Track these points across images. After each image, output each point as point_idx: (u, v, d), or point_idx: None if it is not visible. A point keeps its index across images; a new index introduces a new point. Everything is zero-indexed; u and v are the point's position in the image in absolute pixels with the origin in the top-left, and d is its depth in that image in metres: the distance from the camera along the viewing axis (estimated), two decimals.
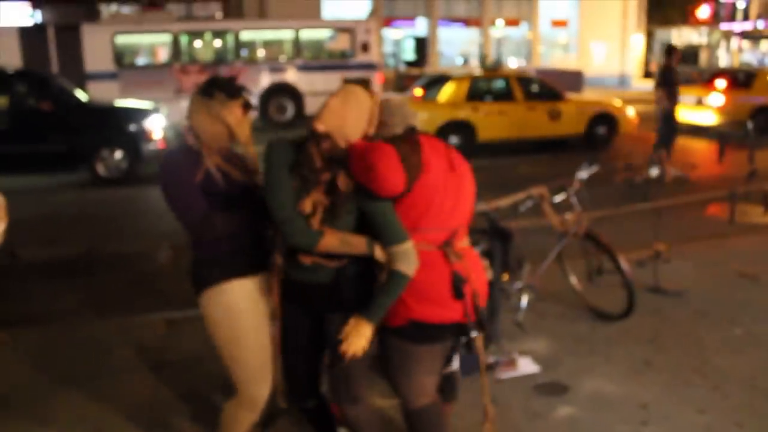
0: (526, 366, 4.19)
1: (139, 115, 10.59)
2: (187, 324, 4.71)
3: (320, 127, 2.45)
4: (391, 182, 2.41)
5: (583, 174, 4.75)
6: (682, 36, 25.75)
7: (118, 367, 4.25)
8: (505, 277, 4.44)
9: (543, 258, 4.85)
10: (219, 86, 2.64)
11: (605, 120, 12.53)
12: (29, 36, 15.99)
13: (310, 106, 16.82)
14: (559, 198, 4.70)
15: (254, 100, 16.39)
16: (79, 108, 10.68)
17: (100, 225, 8.02)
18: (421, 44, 20.96)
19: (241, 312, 2.70)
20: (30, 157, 10.14)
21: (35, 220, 7.92)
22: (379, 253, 2.50)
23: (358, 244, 2.48)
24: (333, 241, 2.46)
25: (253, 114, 16.52)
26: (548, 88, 12.41)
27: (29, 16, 26.33)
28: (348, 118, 2.48)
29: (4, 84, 10.54)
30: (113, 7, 28.03)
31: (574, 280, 5.08)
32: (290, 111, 16.74)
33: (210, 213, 2.62)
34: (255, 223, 2.71)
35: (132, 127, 10.29)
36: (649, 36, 31.46)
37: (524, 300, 4.59)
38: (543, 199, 4.50)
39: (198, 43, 17.50)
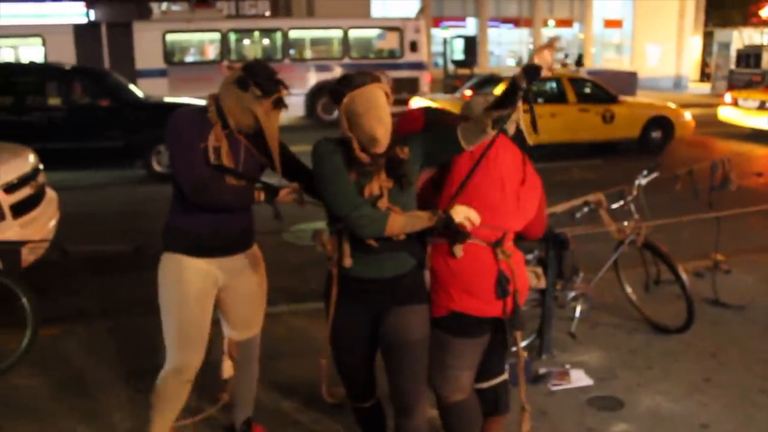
0: (579, 378, 4.04)
1: None
2: None
3: (381, 150, 2.44)
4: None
5: (643, 180, 4.57)
6: (743, 37, 24.83)
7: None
8: (559, 285, 4.30)
9: (597, 266, 4.69)
10: (256, 80, 2.63)
11: (661, 124, 12.16)
12: (83, 33, 16.32)
13: None
14: (616, 205, 4.53)
15: (299, 99, 16.54)
16: (136, 104, 10.84)
17: (152, 221, 8.08)
18: (471, 44, 20.68)
19: (176, 283, 2.84)
20: (86, 153, 10.30)
21: (87, 215, 8.03)
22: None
23: (422, 215, 2.49)
24: (400, 219, 2.46)
25: (297, 112, 16.67)
26: (602, 89, 12.10)
27: (83, 15, 26.94)
28: (388, 119, 2.47)
29: (62, 80, 10.77)
30: (164, 5, 28.48)
31: (629, 290, 4.90)
32: (337, 111, 16.71)
33: (206, 180, 2.69)
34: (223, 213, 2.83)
35: None
36: (708, 37, 30.51)
37: (578, 309, 4.44)
38: (600, 205, 4.34)
39: (246, 41, 17.63)
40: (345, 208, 2.44)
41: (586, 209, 4.34)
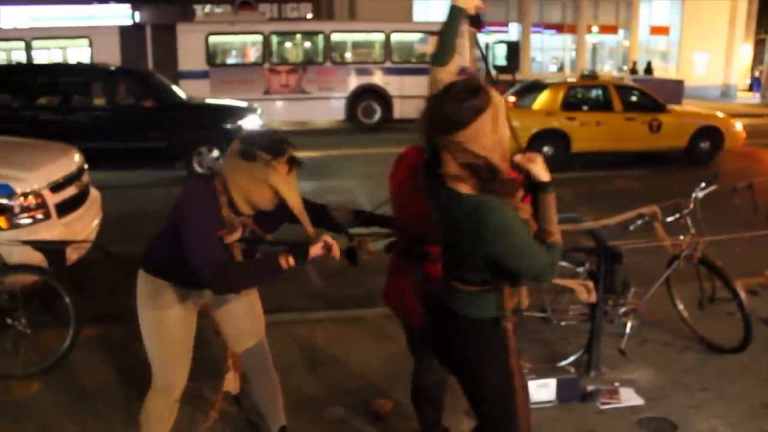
0: (630, 397, 3.88)
1: (236, 113, 10.76)
2: (278, 328, 4.61)
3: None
4: None
5: (700, 193, 4.39)
6: None
7: (205, 370, 4.19)
8: (610, 300, 4.15)
9: (647, 281, 4.52)
10: (260, 145, 2.42)
11: (710, 134, 11.83)
12: (128, 35, 16.58)
13: (398, 109, 16.72)
14: (671, 218, 4.36)
15: (340, 102, 16.52)
16: (179, 105, 10.93)
17: None
18: (513, 49, 20.49)
19: (154, 308, 2.77)
20: (129, 153, 10.40)
21: (129, 215, 8.09)
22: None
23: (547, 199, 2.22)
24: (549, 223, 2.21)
25: (338, 115, 16.58)
26: (649, 98, 11.81)
27: (129, 16, 27.41)
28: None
29: (107, 81, 10.92)
30: (207, 8, 28.82)
31: (681, 306, 4.71)
32: (378, 114, 16.70)
33: (228, 264, 2.47)
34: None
35: (229, 126, 10.45)
36: (759, 45, 29.76)
37: (629, 325, 4.27)
38: (655, 218, 4.17)
39: (288, 44, 17.71)
40: (542, 263, 2.12)
41: (639, 222, 4.18)
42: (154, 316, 2.78)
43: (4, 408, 3.79)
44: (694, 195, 4.37)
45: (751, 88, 29.88)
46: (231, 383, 3.05)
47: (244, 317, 3.00)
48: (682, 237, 4.36)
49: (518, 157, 2.16)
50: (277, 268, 2.42)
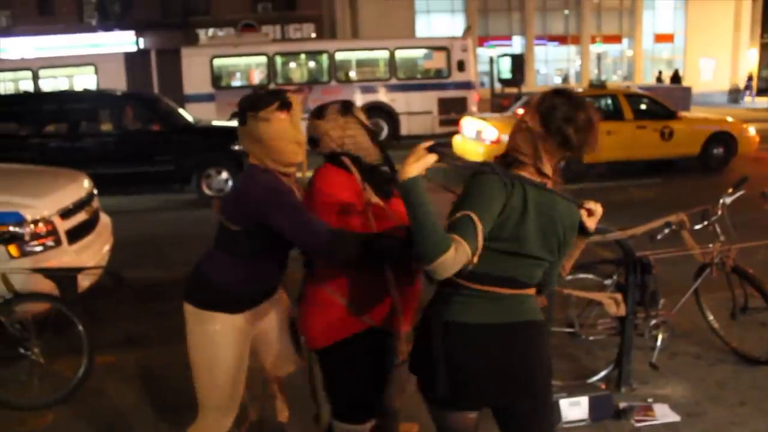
0: (665, 414, 3.73)
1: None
2: None
3: None
4: None
5: (728, 199, 4.25)
6: None
7: None
8: (640, 312, 4.01)
9: (673, 291, 4.37)
10: (248, 106, 2.44)
11: (723, 140, 11.69)
12: (133, 61, 16.64)
13: (405, 126, 16.67)
14: (699, 226, 4.22)
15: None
16: (186, 128, 10.88)
17: (204, 245, 8.01)
18: (518, 63, 20.45)
19: (228, 345, 2.63)
20: (138, 177, 10.35)
21: (139, 240, 7.99)
22: None
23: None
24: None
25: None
26: (660, 105, 11.69)
27: (133, 43, 27.61)
28: None
29: (114, 106, 10.90)
30: (211, 31, 29.01)
31: (711, 317, 4.56)
32: (385, 131, 16.64)
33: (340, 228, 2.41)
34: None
35: (237, 147, 10.38)
36: (765, 48, 29.68)
37: (659, 338, 4.12)
38: (683, 226, 4.04)
39: (292, 64, 17.71)
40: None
41: (667, 230, 4.04)
42: (219, 354, 2.63)
43: None
44: (721, 201, 4.24)
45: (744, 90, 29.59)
46: (282, 412, 2.99)
47: (281, 338, 2.90)
48: (711, 245, 4.22)
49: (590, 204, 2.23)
50: (395, 244, 2.40)
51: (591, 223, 2.23)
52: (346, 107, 2.61)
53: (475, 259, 1.97)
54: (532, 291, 2.19)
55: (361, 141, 2.58)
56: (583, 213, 2.22)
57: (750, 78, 27.75)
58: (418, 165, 1.95)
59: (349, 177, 2.52)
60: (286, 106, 2.45)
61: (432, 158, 1.98)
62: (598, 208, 2.24)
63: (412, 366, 2.31)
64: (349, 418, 2.69)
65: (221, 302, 2.61)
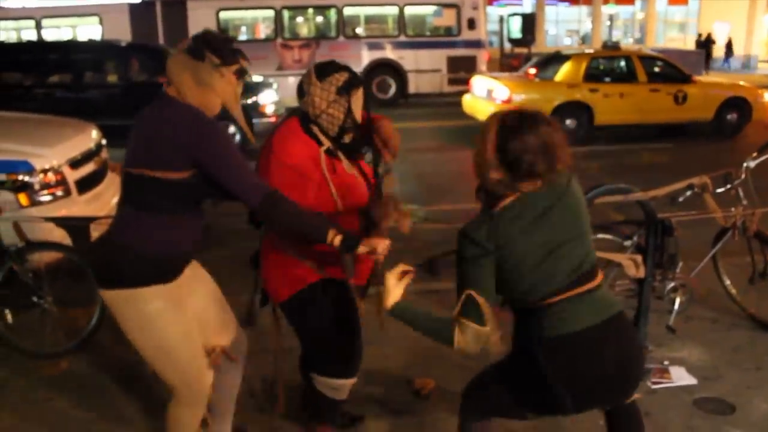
0: (681, 376, 3.71)
1: (251, 88, 10.53)
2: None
3: None
4: None
5: (752, 163, 4.17)
6: None
7: None
8: (658, 274, 3.97)
9: (690, 254, 4.32)
10: (212, 47, 2.24)
11: (737, 105, 11.50)
12: (138, 12, 16.33)
13: (414, 84, 16.45)
14: (721, 189, 4.15)
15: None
16: None
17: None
18: (529, 22, 20.07)
19: (176, 317, 2.39)
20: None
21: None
22: None
23: None
24: None
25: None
26: (674, 68, 11.47)
27: None
28: None
29: (119, 57, 10.72)
30: None
31: (728, 281, 4.51)
32: (393, 89, 16.43)
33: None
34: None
35: (244, 101, 10.24)
36: None
37: (677, 301, 4.09)
38: (705, 189, 3.96)
39: (300, 19, 17.39)
40: None
41: (689, 193, 3.97)
42: (171, 329, 2.39)
43: (34, 386, 3.69)
44: (745, 164, 4.15)
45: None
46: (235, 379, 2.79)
47: (216, 303, 2.66)
48: (733, 209, 4.15)
49: None
50: (321, 233, 2.29)
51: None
52: (347, 88, 2.51)
53: (489, 326, 2.04)
54: (601, 277, 2.16)
55: (337, 122, 2.52)
56: None
57: None
58: (395, 294, 2.13)
59: (311, 146, 2.51)
60: (242, 73, 2.31)
61: (405, 281, 2.17)
62: None
63: (518, 389, 2.22)
64: (327, 372, 2.69)
65: (154, 273, 2.31)
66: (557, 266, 2.04)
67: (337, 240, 2.28)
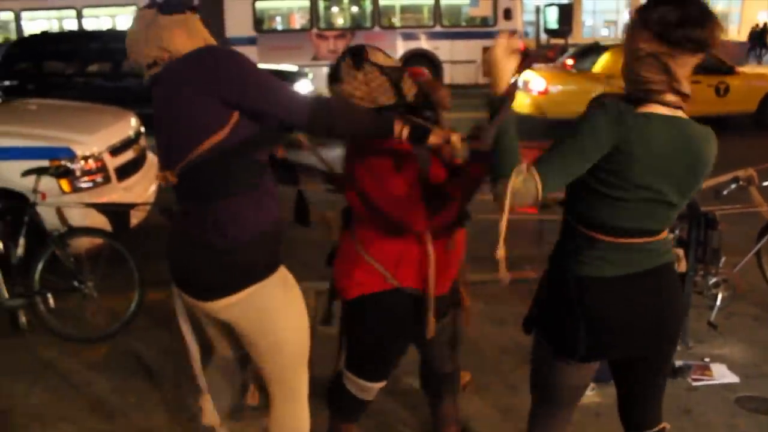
0: (723, 374, 3.64)
1: (286, 78, 10.56)
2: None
3: None
4: None
5: None
6: None
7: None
8: (701, 269, 3.88)
9: (733, 250, 4.23)
10: None
11: None
12: None
13: (449, 74, 16.35)
14: (767, 183, 4.04)
15: None
16: None
17: None
18: (566, 12, 19.79)
19: (299, 308, 2.27)
20: None
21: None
22: None
23: None
24: None
25: None
26: (716, 59, 11.19)
27: None
28: None
29: None
30: None
31: None
32: None
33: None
34: None
35: None
36: None
37: (719, 297, 4.00)
38: (751, 182, 3.86)
39: (336, 9, 17.40)
40: None
41: (734, 186, 3.87)
42: (299, 315, 2.28)
43: (74, 369, 3.76)
44: None
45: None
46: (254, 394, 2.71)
47: None
48: None
49: None
50: (387, 126, 2.10)
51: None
52: (358, 58, 2.31)
53: (542, 194, 1.79)
54: (665, 234, 2.04)
55: (387, 87, 2.32)
56: None
57: None
58: (506, 71, 1.83)
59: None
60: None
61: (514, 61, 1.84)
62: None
63: (538, 322, 2.16)
64: (358, 371, 2.63)
65: (274, 253, 2.18)
66: (633, 210, 1.90)
67: (405, 132, 2.13)
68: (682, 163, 1.88)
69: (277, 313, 2.18)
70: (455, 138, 2.18)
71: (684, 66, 1.85)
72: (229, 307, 2.11)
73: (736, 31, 27.04)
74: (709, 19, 1.82)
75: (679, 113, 1.90)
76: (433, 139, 2.16)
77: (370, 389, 2.64)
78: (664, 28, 1.81)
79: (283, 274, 2.23)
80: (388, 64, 2.34)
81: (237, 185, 2.02)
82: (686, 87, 1.87)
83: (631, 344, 2.05)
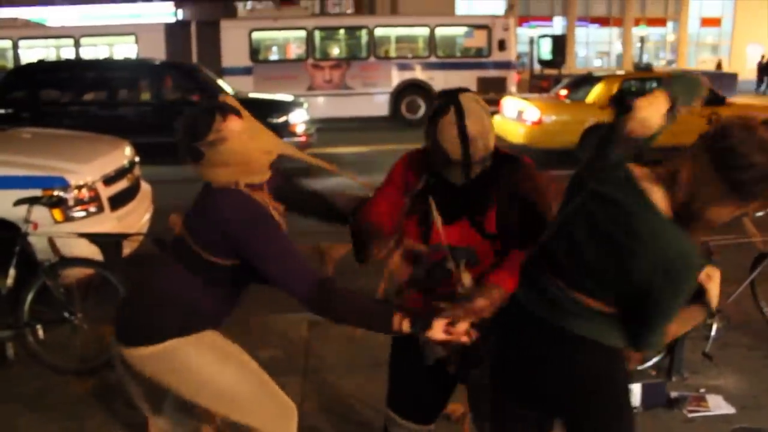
0: (719, 405, 3.61)
1: (282, 107, 10.61)
2: (333, 327, 4.44)
3: None
4: None
5: None
6: None
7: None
8: None
9: (730, 280, 4.21)
10: (192, 135, 2.11)
11: None
12: (173, 32, 16.64)
13: None
14: (761, 212, 4.04)
15: (383, 97, 16.32)
16: None
17: None
18: (559, 44, 20.02)
19: (235, 346, 2.34)
20: (177, 147, 10.23)
21: (179, 210, 7.97)
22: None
23: (697, 313, 1.95)
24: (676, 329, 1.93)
25: (382, 111, 16.49)
26: (708, 90, 11.34)
27: (171, 14, 27.68)
28: None
29: (153, 75, 10.88)
30: (249, 4, 28.93)
31: (766, 308, 4.40)
32: (422, 109, 16.47)
33: None
34: None
35: (275, 120, 10.33)
36: None
37: (714, 328, 3.98)
38: (744, 213, 3.85)
39: (332, 39, 17.58)
40: (655, 338, 1.88)
41: None
42: (233, 361, 2.31)
43: (62, 401, 3.70)
44: None
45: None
46: None
47: None
48: None
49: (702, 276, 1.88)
50: (384, 322, 2.05)
51: (712, 296, 1.90)
52: (432, 116, 2.13)
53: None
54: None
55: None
56: (706, 279, 1.88)
57: None
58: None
59: (412, 159, 2.33)
60: (227, 110, 2.11)
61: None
62: (715, 274, 1.92)
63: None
64: (392, 406, 2.53)
65: (200, 321, 2.26)
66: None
67: (406, 325, 2.03)
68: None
69: (212, 359, 2.25)
70: (461, 328, 2.04)
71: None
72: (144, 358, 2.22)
73: (727, 64, 27.36)
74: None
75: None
76: (434, 333, 2.03)
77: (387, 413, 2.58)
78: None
79: (208, 339, 2.28)
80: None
81: (200, 274, 2.19)
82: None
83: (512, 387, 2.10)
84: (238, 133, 2.09)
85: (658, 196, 1.78)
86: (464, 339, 2.03)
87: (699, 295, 1.89)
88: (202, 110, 2.12)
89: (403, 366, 2.44)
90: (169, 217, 2.30)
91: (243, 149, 2.10)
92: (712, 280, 1.89)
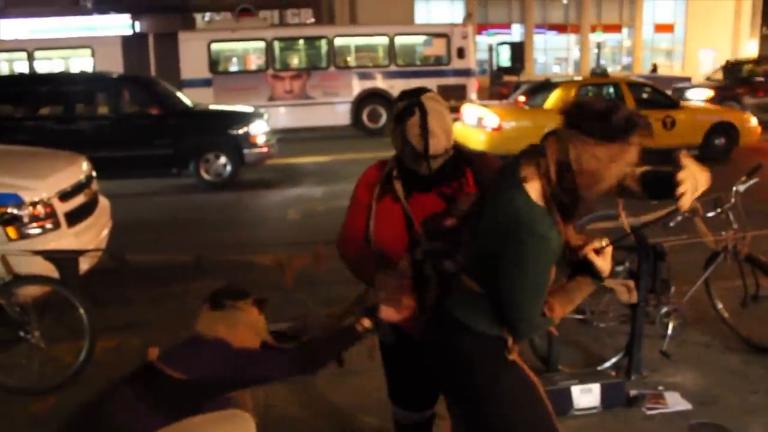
0: (676, 402, 3.69)
1: (242, 119, 10.55)
2: None
3: None
4: None
5: (741, 187, 4.19)
6: None
7: None
8: (652, 300, 3.96)
9: (685, 279, 4.32)
10: (229, 294, 2.53)
11: (724, 130, 11.60)
12: (130, 44, 16.46)
13: None
14: (712, 213, 4.16)
15: (344, 107, 16.35)
16: (184, 112, 10.74)
17: (203, 230, 7.93)
18: (518, 51, 20.32)
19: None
20: (136, 161, 10.14)
21: (138, 224, 7.90)
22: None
23: (584, 285, 2.05)
24: (562, 303, 2.04)
25: (343, 120, 16.52)
26: (662, 94, 11.60)
27: (128, 26, 27.36)
28: None
29: (110, 89, 10.72)
30: (208, 15, 28.72)
31: (720, 305, 4.51)
32: (383, 118, 16.53)
33: None
34: None
35: (235, 132, 10.26)
36: (765, 40, 29.58)
37: (671, 326, 4.07)
38: (696, 213, 3.97)
39: (291, 50, 17.54)
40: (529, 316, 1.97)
41: (680, 217, 3.97)
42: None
43: (20, 423, 3.63)
44: (734, 188, 4.18)
45: None
46: None
47: None
48: (723, 233, 4.16)
49: (589, 249, 1.97)
50: (351, 337, 2.42)
51: (602, 266, 1.99)
52: (399, 116, 2.33)
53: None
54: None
55: (399, 152, 2.41)
56: (590, 251, 1.97)
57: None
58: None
59: (376, 174, 2.50)
60: (262, 303, 2.56)
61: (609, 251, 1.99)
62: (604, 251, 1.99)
63: None
64: (393, 401, 2.75)
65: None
66: None
67: (366, 322, 2.40)
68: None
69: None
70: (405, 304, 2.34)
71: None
72: None
73: (680, 67, 28.06)
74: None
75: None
76: (385, 314, 2.37)
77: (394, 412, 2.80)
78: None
79: None
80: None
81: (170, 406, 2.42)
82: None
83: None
84: (256, 317, 2.56)
85: (534, 186, 1.90)
86: (407, 312, 2.33)
87: (586, 267, 1.99)
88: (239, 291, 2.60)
89: (394, 364, 2.67)
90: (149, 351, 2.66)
91: (248, 325, 2.53)
92: (603, 254, 1.98)
